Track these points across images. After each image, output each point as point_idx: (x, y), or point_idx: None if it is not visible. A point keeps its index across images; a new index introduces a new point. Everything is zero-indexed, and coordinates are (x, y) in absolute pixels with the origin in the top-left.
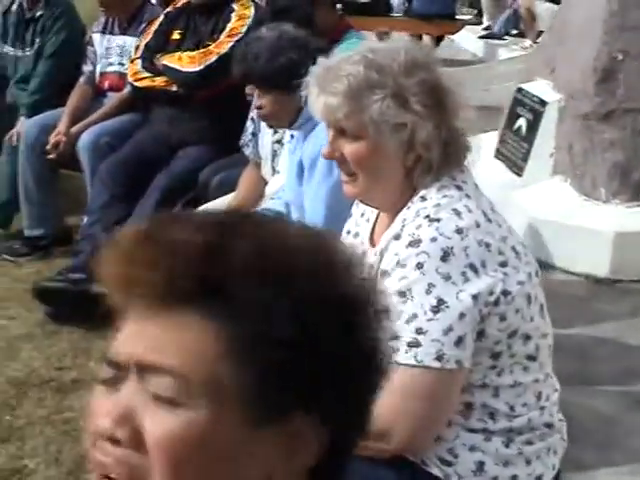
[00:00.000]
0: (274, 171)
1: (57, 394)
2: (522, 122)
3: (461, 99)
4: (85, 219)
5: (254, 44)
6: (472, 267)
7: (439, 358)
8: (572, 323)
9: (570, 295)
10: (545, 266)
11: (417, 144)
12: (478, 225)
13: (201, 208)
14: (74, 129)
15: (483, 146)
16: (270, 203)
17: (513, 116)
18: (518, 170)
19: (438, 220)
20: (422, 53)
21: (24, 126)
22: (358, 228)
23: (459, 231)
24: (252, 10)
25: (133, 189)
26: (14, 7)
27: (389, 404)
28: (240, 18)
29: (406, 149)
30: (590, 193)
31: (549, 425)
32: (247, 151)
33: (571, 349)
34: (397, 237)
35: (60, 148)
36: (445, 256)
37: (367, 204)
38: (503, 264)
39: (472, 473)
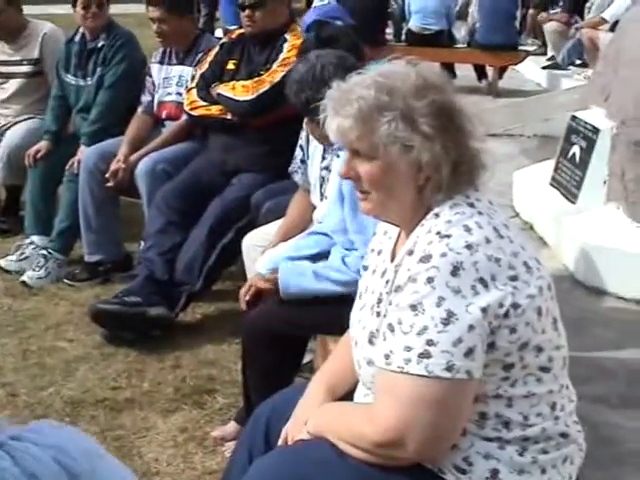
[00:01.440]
0: (322, 197)
1: (110, 413)
2: (576, 150)
3: (475, 120)
4: (142, 244)
5: (292, 71)
6: (482, 281)
7: (449, 369)
8: (622, 347)
9: (621, 320)
10: (597, 291)
11: (424, 164)
12: (488, 241)
13: (251, 233)
14: (133, 157)
15: (540, 174)
16: (317, 227)
17: (567, 144)
18: (572, 197)
19: (449, 236)
20: (433, 75)
21: (84, 154)
22: (381, 245)
23: (469, 247)
24: None
25: (189, 215)
26: (77, 37)
27: (402, 414)
28: (292, 48)
29: (416, 169)
30: None
31: (565, 435)
32: (296, 177)
33: (620, 372)
34: (410, 253)
35: (119, 176)
36: (455, 271)
37: (384, 220)
38: (513, 278)
39: None
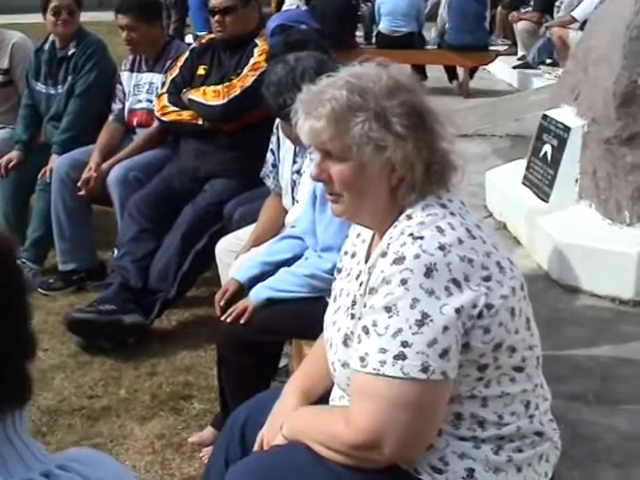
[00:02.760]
0: (294, 200)
1: (87, 421)
2: (547, 148)
3: (445, 121)
4: (115, 252)
5: (269, 73)
6: (455, 282)
7: (424, 370)
8: (597, 344)
9: (595, 317)
10: (571, 289)
11: (398, 164)
12: (461, 242)
13: (224, 239)
14: (104, 165)
15: (512, 173)
16: (290, 230)
17: (539, 143)
18: (545, 196)
19: (421, 238)
20: (404, 77)
21: (55, 163)
22: (355, 248)
23: (442, 248)
24: None
25: (161, 222)
26: (47, 46)
27: (378, 416)
28: (263, 53)
29: (390, 169)
30: (615, 217)
31: (539, 433)
32: (268, 182)
33: (595, 370)
34: (384, 255)
35: (91, 184)
36: (428, 272)
37: (356, 222)
38: (487, 278)
39: None
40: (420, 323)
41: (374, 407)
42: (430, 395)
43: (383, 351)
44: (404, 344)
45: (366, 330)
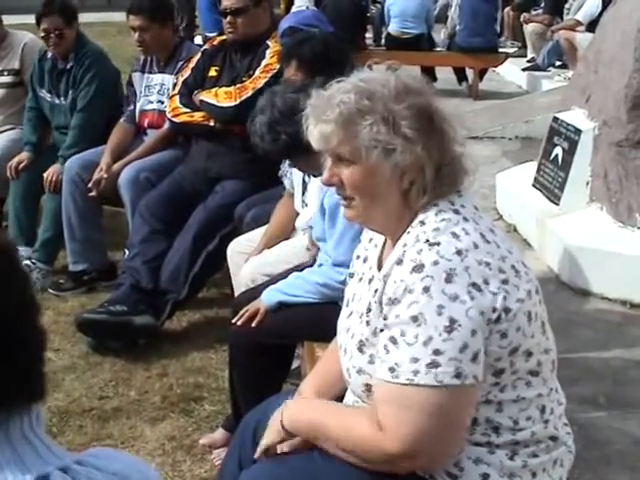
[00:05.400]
0: (304, 203)
1: (98, 422)
2: (558, 151)
3: (455, 124)
4: (126, 253)
5: (256, 122)
6: (475, 285)
7: (458, 375)
8: (608, 347)
9: (606, 320)
10: (582, 292)
11: (408, 167)
12: (476, 246)
13: (236, 240)
14: (115, 166)
15: (523, 176)
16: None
17: (550, 145)
18: (555, 199)
19: (438, 244)
20: (413, 80)
21: (63, 167)
22: (367, 253)
23: (459, 252)
24: None
25: (172, 223)
26: (49, 54)
27: (414, 425)
28: (275, 54)
29: (400, 173)
30: (625, 220)
31: (554, 438)
32: (285, 181)
33: (606, 373)
34: (399, 262)
35: (102, 185)
36: (449, 277)
37: (369, 228)
38: (504, 282)
39: None
40: (449, 329)
41: (411, 417)
42: (462, 400)
43: (415, 360)
44: (436, 352)
45: (394, 340)
